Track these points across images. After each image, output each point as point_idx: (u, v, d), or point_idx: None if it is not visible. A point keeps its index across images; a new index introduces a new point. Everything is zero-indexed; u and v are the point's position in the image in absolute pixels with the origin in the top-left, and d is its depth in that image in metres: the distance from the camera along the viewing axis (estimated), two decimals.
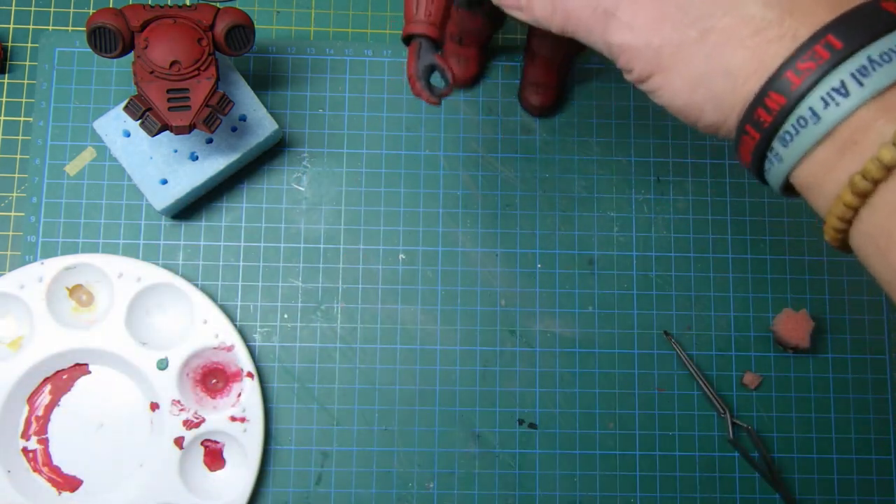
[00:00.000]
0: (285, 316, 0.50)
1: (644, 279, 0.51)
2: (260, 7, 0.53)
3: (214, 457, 0.48)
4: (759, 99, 0.25)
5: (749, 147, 0.27)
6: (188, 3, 0.50)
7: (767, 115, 0.25)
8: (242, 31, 0.44)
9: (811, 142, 0.25)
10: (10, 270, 0.49)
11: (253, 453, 0.47)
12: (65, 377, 0.48)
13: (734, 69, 0.26)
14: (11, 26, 0.52)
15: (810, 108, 0.24)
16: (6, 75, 0.51)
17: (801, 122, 0.24)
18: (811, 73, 0.24)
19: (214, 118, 0.44)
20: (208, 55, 0.43)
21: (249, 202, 0.51)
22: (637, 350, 0.50)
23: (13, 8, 0.52)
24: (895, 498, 0.50)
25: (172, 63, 0.42)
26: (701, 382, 0.50)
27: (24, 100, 0.51)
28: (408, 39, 0.37)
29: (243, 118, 0.48)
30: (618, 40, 0.29)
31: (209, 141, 0.48)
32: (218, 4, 0.45)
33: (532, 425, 0.50)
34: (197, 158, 0.48)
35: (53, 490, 0.47)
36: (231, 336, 0.48)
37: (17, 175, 0.51)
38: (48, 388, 0.48)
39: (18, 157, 0.51)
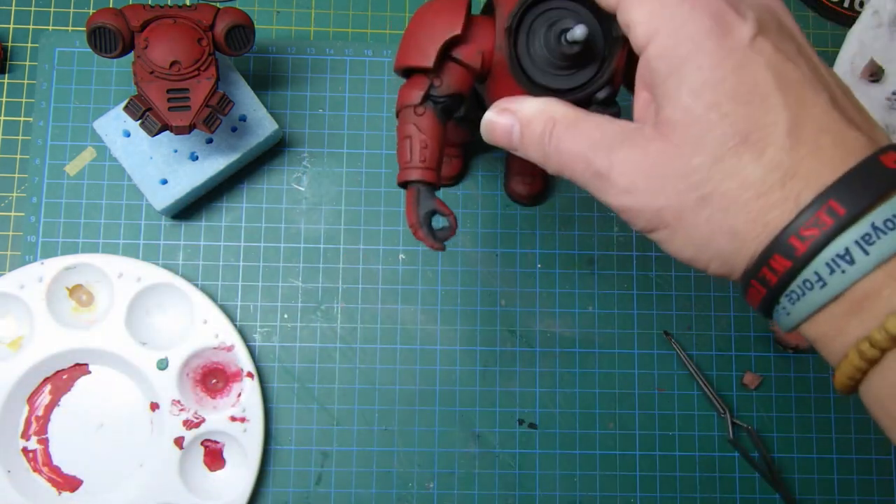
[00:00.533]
0: (285, 316, 0.50)
1: (644, 279, 0.51)
2: (260, 7, 0.53)
3: (214, 457, 0.48)
4: (764, 260, 0.25)
5: (756, 299, 0.27)
6: (188, 3, 0.50)
7: (773, 275, 0.25)
8: (242, 31, 0.44)
9: (818, 304, 0.25)
10: (10, 270, 0.49)
11: (253, 453, 0.47)
12: (65, 377, 0.48)
13: (737, 231, 0.26)
14: (11, 26, 0.52)
15: (816, 273, 0.24)
16: (6, 75, 0.51)
17: (807, 284, 0.25)
18: (815, 240, 0.24)
19: (214, 118, 0.44)
20: (208, 55, 0.43)
21: (249, 202, 0.51)
22: (637, 350, 0.50)
23: (13, 8, 0.52)
24: (895, 498, 0.50)
25: (172, 63, 0.42)
26: (701, 382, 0.50)
27: (24, 100, 0.51)
28: (404, 184, 0.35)
29: (243, 118, 0.48)
30: (615, 203, 0.29)
31: (209, 141, 0.48)
32: (218, 4, 0.45)
33: (532, 425, 0.50)
34: (197, 158, 0.48)
35: (53, 490, 0.47)
36: (231, 336, 0.48)
37: (17, 175, 0.51)
38: (48, 388, 0.48)
39: (18, 157, 0.51)
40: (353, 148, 0.52)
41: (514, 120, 0.31)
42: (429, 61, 0.34)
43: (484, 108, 0.40)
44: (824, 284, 0.24)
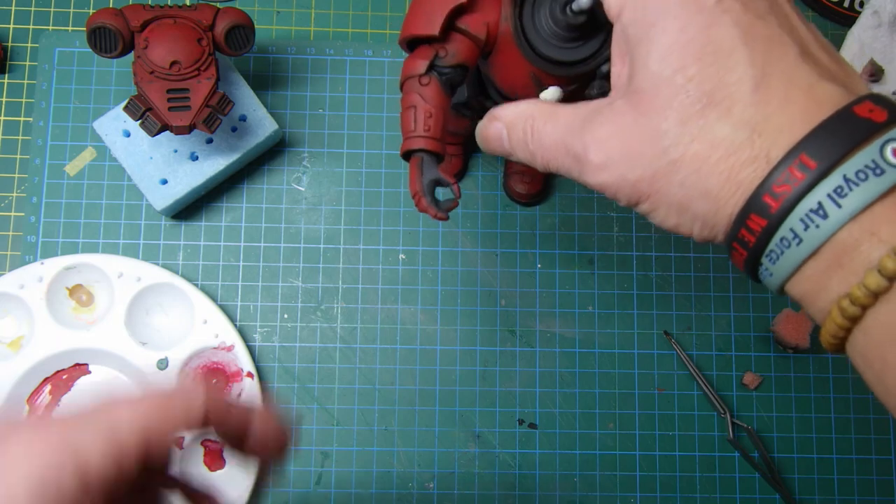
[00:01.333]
0: (285, 316, 0.50)
1: (644, 279, 0.51)
2: (260, 7, 0.53)
3: (214, 457, 0.48)
4: (741, 221, 0.25)
5: (739, 261, 0.27)
6: (188, 3, 0.50)
7: (751, 235, 0.25)
8: (242, 31, 0.45)
9: (797, 261, 0.24)
10: (10, 270, 0.49)
11: None
12: (65, 377, 0.48)
13: (711, 192, 0.26)
14: (11, 26, 0.52)
15: (791, 230, 0.24)
16: (6, 75, 0.51)
17: (784, 242, 0.24)
18: (788, 196, 0.24)
19: (214, 118, 0.44)
20: (208, 55, 0.43)
21: (249, 202, 0.51)
22: (637, 350, 0.50)
23: (13, 8, 0.52)
24: (895, 498, 0.50)
25: (172, 63, 0.42)
26: (701, 382, 0.50)
27: (24, 100, 0.51)
28: (407, 155, 0.34)
29: (243, 118, 0.48)
30: (594, 181, 0.29)
31: (209, 141, 0.48)
32: (218, 4, 0.45)
33: (532, 425, 0.50)
34: (197, 158, 0.48)
35: None
36: (231, 336, 0.48)
37: (17, 175, 0.51)
38: (48, 388, 0.48)
39: (18, 157, 0.51)
40: (353, 148, 0.52)
41: (502, 125, 0.31)
42: (435, 29, 0.33)
43: (486, 94, 0.40)
44: (800, 241, 0.24)
